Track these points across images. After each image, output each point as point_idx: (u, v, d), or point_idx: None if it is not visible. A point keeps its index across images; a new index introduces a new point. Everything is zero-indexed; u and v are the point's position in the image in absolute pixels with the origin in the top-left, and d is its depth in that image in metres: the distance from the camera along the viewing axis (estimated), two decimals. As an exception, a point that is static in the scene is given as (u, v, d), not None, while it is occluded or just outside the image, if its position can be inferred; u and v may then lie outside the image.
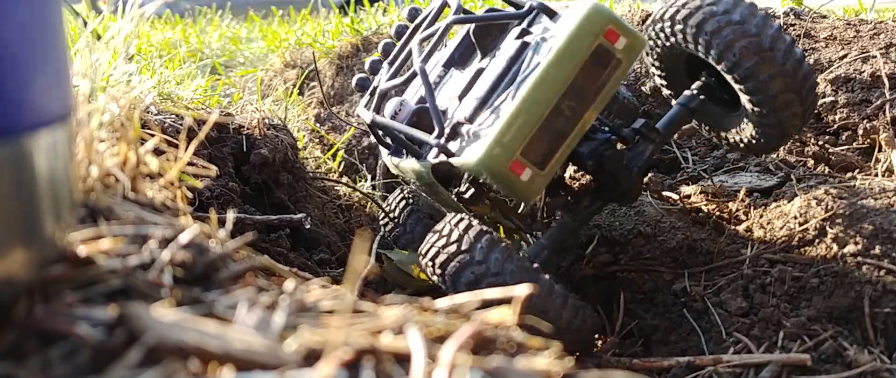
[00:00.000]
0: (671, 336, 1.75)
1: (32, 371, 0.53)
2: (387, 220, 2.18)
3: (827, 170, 2.13)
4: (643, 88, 2.57)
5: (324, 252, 2.20)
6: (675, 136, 2.42)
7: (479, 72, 1.66)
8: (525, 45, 1.57)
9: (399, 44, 1.90)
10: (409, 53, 1.74)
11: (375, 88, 1.92)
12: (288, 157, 2.31)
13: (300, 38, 4.07)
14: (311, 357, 0.59)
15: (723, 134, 1.87)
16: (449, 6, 1.80)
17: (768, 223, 1.84)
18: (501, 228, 1.95)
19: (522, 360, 0.64)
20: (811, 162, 2.19)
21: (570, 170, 2.29)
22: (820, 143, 2.24)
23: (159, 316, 0.58)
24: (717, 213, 1.99)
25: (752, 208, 1.93)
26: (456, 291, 1.44)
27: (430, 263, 1.50)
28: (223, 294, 0.70)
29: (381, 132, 1.84)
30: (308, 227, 2.02)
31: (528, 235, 1.89)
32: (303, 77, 3.62)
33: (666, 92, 1.94)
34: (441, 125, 1.53)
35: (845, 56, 2.38)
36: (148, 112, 1.87)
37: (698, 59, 1.72)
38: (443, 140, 1.52)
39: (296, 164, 2.38)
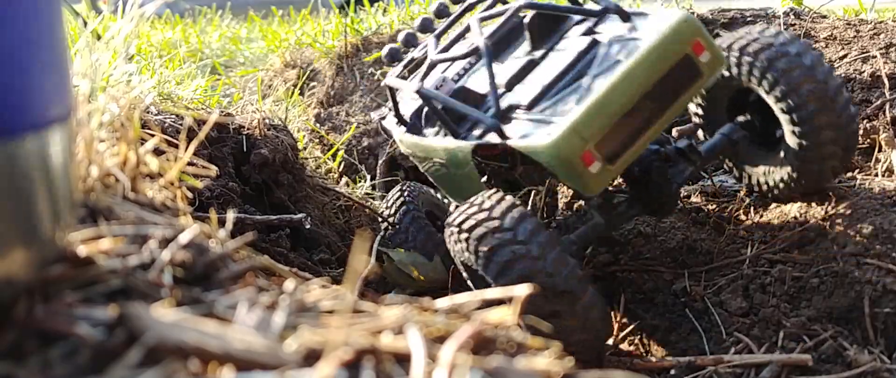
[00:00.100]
0: (671, 336, 1.75)
1: (32, 371, 0.53)
2: (382, 221, 2.17)
3: (827, 170, 2.12)
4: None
5: (324, 252, 2.20)
6: (676, 135, 2.42)
7: (532, 62, 1.67)
8: (595, 43, 1.58)
9: (449, 20, 1.93)
10: (462, 32, 1.78)
11: (412, 60, 1.95)
12: (288, 157, 2.32)
13: (300, 38, 4.07)
14: (311, 357, 0.59)
15: (749, 173, 1.88)
16: None
17: (768, 223, 1.84)
18: None
19: (522, 360, 0.63)
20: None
21: None
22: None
23: (159, 316, 0.58)
24: (717, 213, 1.99)
25: (752, 208, 1.93)
26: (486, 270, 1.41)
27: (466, 236, 1.45)
28: (223, 294, 0.70)
29: (408, 106, 1.82)
30: (308, 227, 2.02)
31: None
32: (303, 77, 3.62)
33: (696, 122, 1.95)
34: (498, 105, 1.53)
35: (845, 56, 2.38)
36: (148, 112, 1.87)
37: (746, 97, 1.75)
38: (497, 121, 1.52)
39: (296, 164, 2.38)
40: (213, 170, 1.12)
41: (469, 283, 1.63)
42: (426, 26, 1.97)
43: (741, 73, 1.67)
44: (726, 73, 1.71)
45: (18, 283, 0.60)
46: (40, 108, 0.61)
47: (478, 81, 1.76)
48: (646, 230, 2.00)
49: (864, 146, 2.16)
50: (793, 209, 1.81)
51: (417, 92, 1.68)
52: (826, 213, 1.72)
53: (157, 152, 1.06)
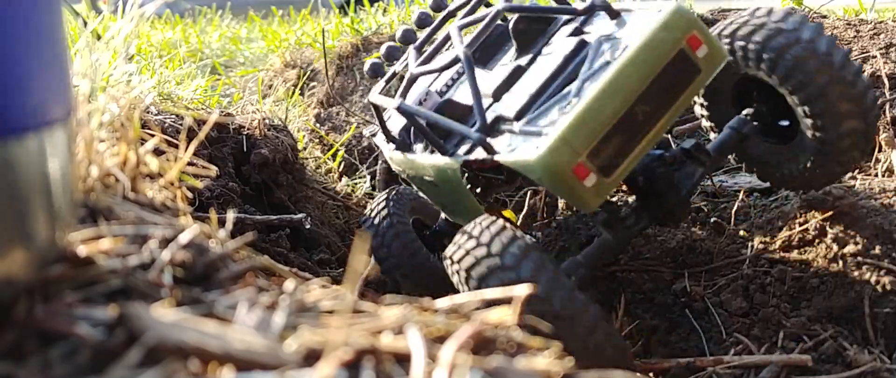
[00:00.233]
0: (671, 336, 1.75)
1: (32, 371, 0.53)
2: (366, 225, 2.00)
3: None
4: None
5: (324, 252, 2.20)
6: (676, 134, 2.41)
7: (519, 69, 1.56)
8: (583, 44, 1.47)
9: (428, 31, 1.82)
10: (442, 41, 1.66)
11: (394, 75, 1.85)
12: (288, 157, 2.32)
13: (300, 38, 4.07)
14: (311, 357, 0.59)
15: (767, 166, 1.74)
16: None
17: (768, 223, 1.84)
18: None
19: (522, 360, 0.63)
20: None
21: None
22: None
23: (159, 316, 0.58)
24: (717, 214, 1.99)
25: (752, 208, 1.94)
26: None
27: (458, 268, 1.39)
28: (223, 294, 0.70)
29: (396, 122, 1.72)
30: (308, 227, 2.02)
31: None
32: (303, 77, 3.62)
33: (705, 124, 1.84)
34: (484, 119, 1.42)
35: (845, 56, 2.38)
36: (148, 112, 1.87)
37: (750, 85, 1.64)
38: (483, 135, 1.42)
39: (296, 164, 2.38)
40: (213, 170, 1.12)
41: None
42: (408, 37, 1.87)
43: (737, 61, 1.55)
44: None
45: (18, 283, 0.60)
46: (40, 108, 0.61)
47: (465, 93, 1.66)
48: (646, 230, 2.00)
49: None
50: (793, 209, 1.81)
51: (398, 109, 1.58)
52: (826, 213, 1.73)
53: (157, 152, 1.06)
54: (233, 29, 5.63)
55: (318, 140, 3.14)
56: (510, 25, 1.68)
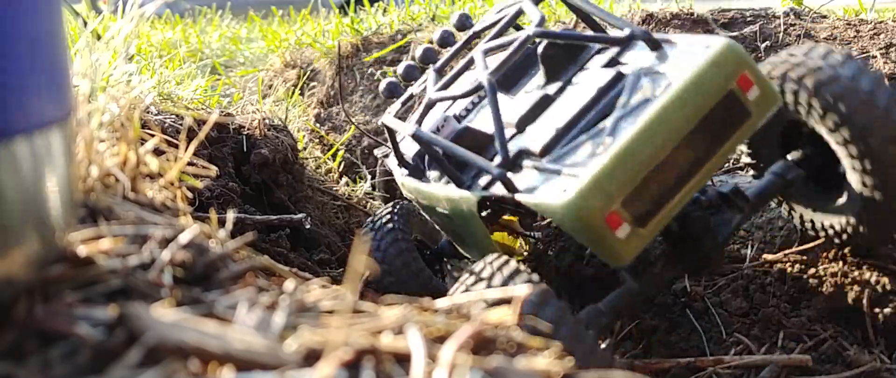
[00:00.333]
0: (671, 336, 1.75)
1: (32, 371, 0.53)
2: (368, 234, 1.88)
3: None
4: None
5: (324, 252, 2.20)
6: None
7: (546, 98, 1.45)
8: (620, 76, 1.34)
9: (450, 52, 1.71)
10: (465, 64, 1.55)
11: (411, 96, 1.75)
12: (288, 157, 2.32)
13: (300, 38, 4.07)
14: (311, 357, 0.59)
15: (813, 217, 1.60)
16: (524, 13, 1.56)
17: (768, 223, 1.84)
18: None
19: (522, 360, 0.64)
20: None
21: None
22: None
23: (159, 316, 0.58)
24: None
25: (752, 208, 1.94)
26: None
27: None
28: (223, 294, 0.70)
29: (410, 146, 1.61)
30: (308, 227, 2.01)
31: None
32: (303, 77, 3.62)
33: (745, 161, 1.70)
34: (506, 152, 1.32)
35: (845, 56, 2.38)
36: (148, 112, 1.87)
37: (798, 127, 1.50)
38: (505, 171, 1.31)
39: (296, 164, 2.38)
40: (213, 170, 1.12)
41: None
42: (429, 57, 1.77)
43: (787, 104, 1.42)
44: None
45: (18, 283, 0.60)
46: (40, 108, 0.61)
47: (486, 120, 1.52)
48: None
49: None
50: (793, 209, 1.81)
51: (413, 136, 1.47)
52: (826, 213, 1.73)
53: (157, 152, 1.06)
54: (233, 29, 5.63)
55: (318, 140, 3.14)
56: (539, 49, 1.56)
